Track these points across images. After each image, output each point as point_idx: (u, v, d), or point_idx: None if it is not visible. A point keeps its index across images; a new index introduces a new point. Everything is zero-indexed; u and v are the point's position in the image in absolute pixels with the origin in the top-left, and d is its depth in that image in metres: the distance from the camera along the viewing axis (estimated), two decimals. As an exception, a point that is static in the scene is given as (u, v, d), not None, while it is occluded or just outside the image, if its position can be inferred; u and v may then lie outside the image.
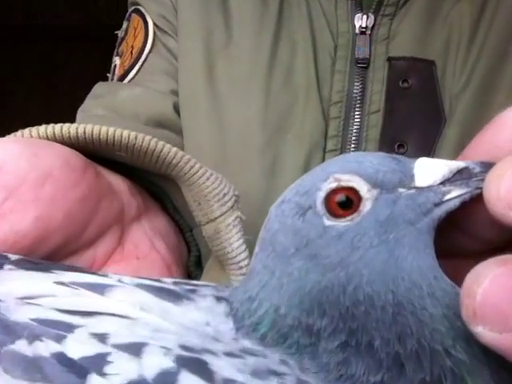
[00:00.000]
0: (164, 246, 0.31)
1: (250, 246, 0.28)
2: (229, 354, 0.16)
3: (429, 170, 0.19)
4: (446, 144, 0.49)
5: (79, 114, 0.52)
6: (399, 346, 0.17)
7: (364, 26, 0.51)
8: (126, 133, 0.28)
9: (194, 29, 0.53)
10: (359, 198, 0.19)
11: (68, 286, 0.19)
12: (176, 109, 0.51)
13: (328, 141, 0.50)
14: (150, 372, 0.15)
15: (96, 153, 0.30)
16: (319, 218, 0.19)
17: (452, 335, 0.18)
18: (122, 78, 0.52)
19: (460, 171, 0.19)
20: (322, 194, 0.19)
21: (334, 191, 0.19)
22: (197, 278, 0.35)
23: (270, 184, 0.49)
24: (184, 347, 0.16)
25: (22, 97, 2.85)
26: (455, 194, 0.19)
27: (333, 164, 0.20)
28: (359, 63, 0.51)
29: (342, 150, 0.50)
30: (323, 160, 0.49)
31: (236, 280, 0.30)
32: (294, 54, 0.53)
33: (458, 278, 0.18)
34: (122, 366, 0.15)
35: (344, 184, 0.19)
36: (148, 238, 0.30)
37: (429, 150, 0.49)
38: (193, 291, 0.20)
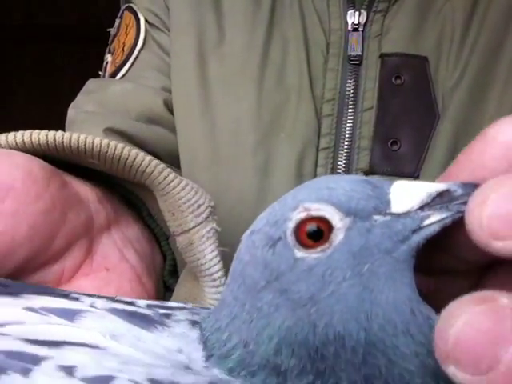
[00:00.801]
0: (135, 256, 0.30)
1: (226, 257, 0.28)
2: None
3: (406, 195, 0.18)
4: (439, 140, 0.49)
5: (70, 111, 0.52)
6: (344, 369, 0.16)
7: (356, 22, 0.51)
8: (97, 140, 0.27)
9: (186, 27, 0.52)
10: (330, 228, 0.17)
11: (37, 312, 0.19)
12: (167, 106, 0.50)
13: (321, 139, 0.50)
14: None
15: (68, 160, 0.29)
16: (289, 249, 0.17)
17: (422, 374, 0.17)
18: (113, 75, 0.52)
19: (440, 194, 0.18)
20: (291, 225, 0.18)
21: (303, 221, 0.18)
22: (171, 286, 0.35)
23: (263, 183, 0.49)
24: (152, 381, 0.16)
25: (22, 97, 2.85)
26: (435, 219, 0.18)
27: (303, 191, 0.19)
28: (352, 60, 0.50)
29: (336, 147, 0.49)
30: (317, 158, 0.49)
31: (209, 292, 0.29)
32: (286, 52, 0.52)
33: (444, 295, 0.17)
34: None
35: (314, 214, 0.18)
36: (117, 248, 0.30)
37: (422, 147, 0.49)
38: (167, 315, 0.19)
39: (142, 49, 0.51)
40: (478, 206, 0.16)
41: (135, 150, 0.28)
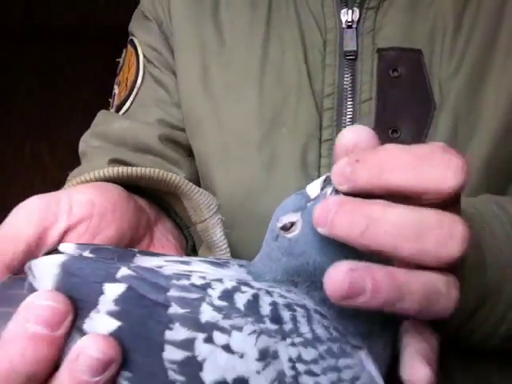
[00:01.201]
0: (173, 239, 0.43)
1: (228, 236, 0.43)
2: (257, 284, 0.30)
3: (314, 188, 0.31)
4: (439, 129, 0.51)
5: (81, 144, 0.61)
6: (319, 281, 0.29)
7: (350, 20, 0.53)
8: (151, 171, 0.40)
9: (189, 42, 0.57)
10: (294, 222, 0.31)
11: (170, 262, 0.32)
12: (161, 138, 0.57)
13: (323, 131, 0.52)
14: (228, 285, 0.28)
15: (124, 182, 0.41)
16: (284, 237, 0.32)
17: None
18: (118, 109, 0.59)
19: (326, 179, 0.31)
20: (279, 228, 0.32)
21: (282, 227, 0.32)
22: None
23: (269, 176, 0.53)
24: (237, 279, 0.30)
25: (22, 97, 2.85)
26: (329, 192, 0.30)
27: (279, 211, 0.33)
28: (347, 56, 0.53)
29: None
30: (320, 149, 0.52)
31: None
32: (284, 52, 0.55)
33: None
34: (217, 287, 0.28)
35: (285, 220, 0.31)
36: (164, 235, 0.42)
37: (421, 135, 0.51)
38: (227, 262, 0.33)
39: (141, 85, 0.58)
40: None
41: (172, 174, 0.41)
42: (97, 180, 0.39)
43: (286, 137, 0.53)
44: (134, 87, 0.58)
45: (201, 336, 0.25)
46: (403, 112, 0.51)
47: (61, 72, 2.85)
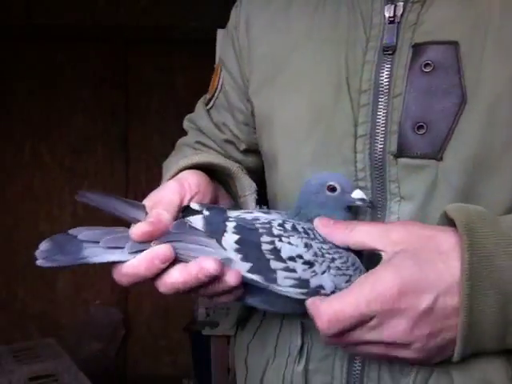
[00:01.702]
0: (229, 204, 0.62)
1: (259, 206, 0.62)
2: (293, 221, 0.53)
3: (357, 192, 0.53)
4: (467, 124, 0.50)
5: (185, 122, 0.79)
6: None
7: (392, 15, 0.53)
8: (220, 160, 0.63)
9: (263, 58, 0.64)
10: (335, 189, 0.52)
11: (244, 213, 0.53)
12: (225, 140, 0.73)
13: (358, 127, 0.54)
14: (279, 221, 0.52)
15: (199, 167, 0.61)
16: (324, 193, 0.53)
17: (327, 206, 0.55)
18: (208, 102, 0.75)
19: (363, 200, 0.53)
20: (327, 186, 0.53)
21: (329, 187, 0.53)
22: None
23: (313, 172, 0.56)
24: (281, 218, 0.53)
25: (22, 97, 2.85)
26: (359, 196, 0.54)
27: (326, 176, 0.54)
28: (386, 51, 0.53)
29: (371, 134, 0.53)
30: (355, 145, 0.54)
31: None
32: (324, 50, 0.58)
33: None
34: (274, 221, 0.51)
35: (333, 184, 0.53)
36: (225, 203, 0.61)
37: (447, 130, 0.50)
38: (269, 212, 0.55)
39: (219, 93, 0.73)
40: None
41: (229, 162, 0.64)
42: (186, 166, 0.60)
43: (324, 133, 0.56)
44: (215, 92, 0.73)
45: (276, 239, 0.49)
46: (432, 107, 0.51)
47: (61, 72, 2.85)
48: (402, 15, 0.53)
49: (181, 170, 0.59)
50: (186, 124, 0.79)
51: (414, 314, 0.43)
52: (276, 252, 0.48)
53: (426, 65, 0.51)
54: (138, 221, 0.49)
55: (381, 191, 0.53)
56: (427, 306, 0.43)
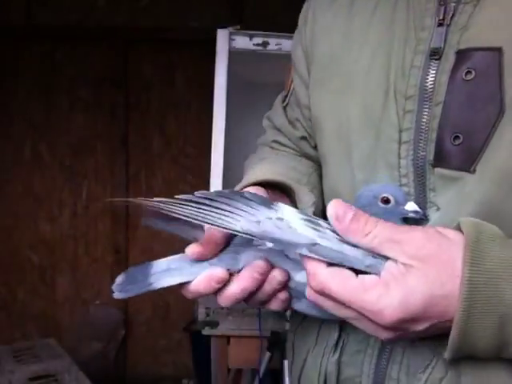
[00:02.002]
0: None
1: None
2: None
3: (411, 205, 0.53)
4: (503, 136, 0.48)
5: (264, 120, 0.81)
6: None
7: (442, 17, 0.52)
8: (279, 176, 0.62)
9: (322, 60, 0.65)
10: (389, 201, 0.52)
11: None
12: (301, 137, 0.73)
13: (402, 133, 0.53)
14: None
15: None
16: (378, 205, 0.52)
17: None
18: (284, 99, 0.76)
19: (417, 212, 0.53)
20: (381, 198, 0.53)
21: (382, 198, 0.52)
22: None
23: (364, 174, 0.57)
24: (309, 219, 0.50)
25: (22, 97, 2.85)
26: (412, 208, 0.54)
27: (379, 188, 0.53)
28: (432, 55, 0.52)
29: (415, 141, 0.52)
30: (399, 152, 0.53)
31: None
32: (374, 55, 0.57)
33: None
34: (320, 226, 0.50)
35: (387, 196, 0.52)
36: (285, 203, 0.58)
37: (482, 142, 0.48)
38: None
39: (292, 90, 0.74)
40: None
41: (289, 182, 0.62)
42: (257, 180, 0.60)
43: (374, 137, 0.56)
44: (289, 89, 0.74)
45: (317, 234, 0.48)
46: (469, 118, 0.49)
47: (61, 72, 2.85)
48: (452, 17, 0.51)
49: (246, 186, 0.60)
50: (264, 123, 0.81)
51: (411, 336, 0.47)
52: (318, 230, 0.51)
53: (468, 72, 0.49)
54: (197, 240, 0.52)
55: (422, 198, 0.53)
56: (423, 329, 0.45)
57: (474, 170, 0.49)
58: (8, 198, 2.87)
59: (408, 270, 0.44)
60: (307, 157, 0.73)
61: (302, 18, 0.71)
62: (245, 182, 0.61)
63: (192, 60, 2.82)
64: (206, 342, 2.01)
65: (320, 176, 0.69)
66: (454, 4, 0.51)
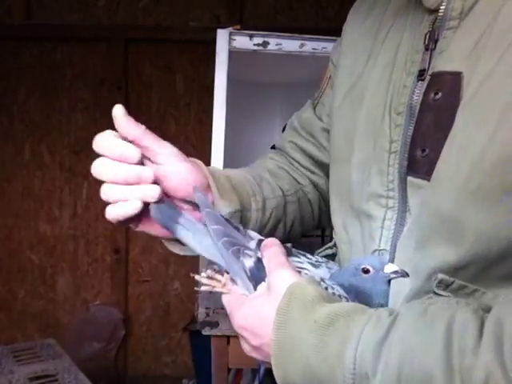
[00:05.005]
0: None
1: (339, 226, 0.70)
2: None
3: (390, 266, 0.57)
4: (453, 144, 0.51)
5: (292, 118, 0.88)
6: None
7: (427, 43, 0.58)
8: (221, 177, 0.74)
9: (344, 72, 0.72)
10: (369, 271, 0.59)
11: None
12: (323, 129, 0.82)
13: (392, 144, 0.60)
14: (318, 278, 0.58)
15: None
16: (360, 275, 0.58)
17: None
18: (319, 94, 0.84)
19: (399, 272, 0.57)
20: (361, 269, 0.59)
21: (363, 269, 0.59)
22: None
23: (359, 176, 0.64)
24: (322, 277, 0.59)
25: (22, 97, 2.85)
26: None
27: (364, 259, 0.60)
28: (419, 76, 0.58)
29: (401, 151, 0.59)
30: (389, 160, 0.60)
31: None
32: (373, 74, 0.65)
33: None
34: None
35: (367, 267, 0.59)
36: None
37: (438, 154, 0.53)
38: (321, 264, 0.64)
39: (324, 90, 0.83)
40: None
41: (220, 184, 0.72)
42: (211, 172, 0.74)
43: (372, 146, 0.63)
44: (322, 89, 0.82)
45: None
46: (433, 132, 0.55)
47: (61, 72, 2.85)
48: (436, 42, 0.57)
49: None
50: (289, 121, 0.89)
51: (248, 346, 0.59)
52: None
53: (436, 93, 0.55)
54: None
55: (404, 203, 0.59)
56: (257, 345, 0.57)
57: (429, 179, 0.53)
58: (8, 197, 2.87)
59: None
60: (327, 150, 0.80)
61: (344, 24, 0.78)
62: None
63: (192, 60, 2.82)
64: (205, 342, 2.01)
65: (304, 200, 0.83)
66: (439, 30, 0.57)
